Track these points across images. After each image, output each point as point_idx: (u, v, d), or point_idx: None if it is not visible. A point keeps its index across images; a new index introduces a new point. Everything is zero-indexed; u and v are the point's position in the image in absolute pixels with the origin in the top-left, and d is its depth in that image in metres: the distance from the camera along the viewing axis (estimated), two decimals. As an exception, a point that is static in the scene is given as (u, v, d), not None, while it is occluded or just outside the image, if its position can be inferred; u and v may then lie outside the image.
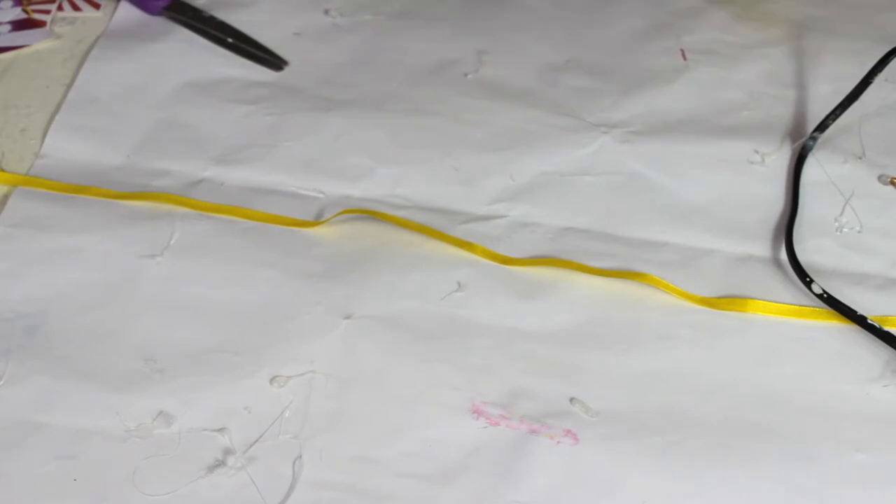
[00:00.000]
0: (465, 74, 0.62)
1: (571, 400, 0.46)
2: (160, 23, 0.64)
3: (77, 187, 0.54)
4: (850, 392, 0.47)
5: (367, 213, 0.53)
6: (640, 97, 0.60)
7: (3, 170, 0.56)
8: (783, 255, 0.52)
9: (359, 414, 0.46)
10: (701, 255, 0.52)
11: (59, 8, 0.65)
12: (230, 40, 0.63)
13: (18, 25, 0.64)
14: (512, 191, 0.55)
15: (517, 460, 0.44)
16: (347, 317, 0.49)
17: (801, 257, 0.52)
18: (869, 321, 0.48)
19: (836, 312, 0.49)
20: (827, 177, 0.56)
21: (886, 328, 0.48)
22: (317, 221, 0.53)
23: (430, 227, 0.53)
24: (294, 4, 0.66)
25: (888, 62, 0.57)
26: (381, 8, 0.66)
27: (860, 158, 0.57)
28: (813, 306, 0.50)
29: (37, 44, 0.63)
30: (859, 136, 0.58)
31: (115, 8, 0.65)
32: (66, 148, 0.57)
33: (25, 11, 0.65)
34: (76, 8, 0.65)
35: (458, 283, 0.51)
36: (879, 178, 0.56)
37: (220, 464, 0.44)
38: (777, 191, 0.56)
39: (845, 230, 0.54)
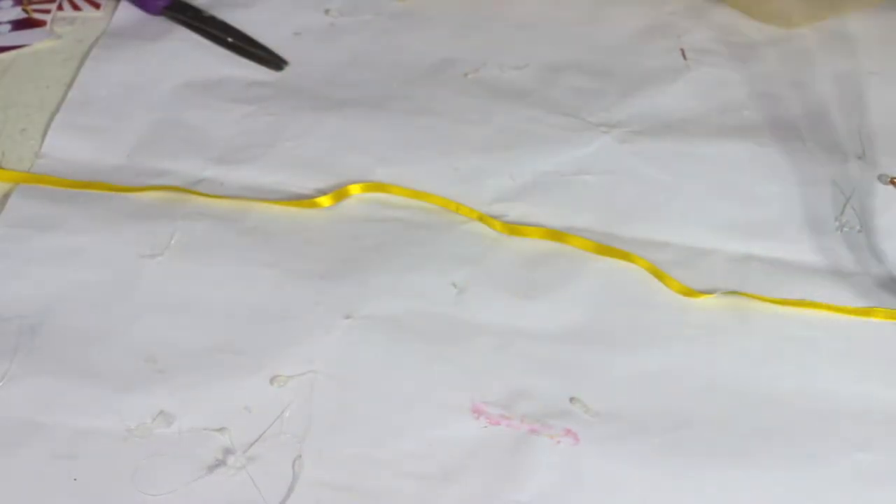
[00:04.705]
0: (465, 74, 0.62)
1: (571, 400, 0.46)
2: (160, 23, 0.64)
3: (80, 182, 0.54)
4: (850, 392, 0.47)
5: (378, 190, 0.54)
6: (640, 97, 0.60)
7: (3, 169, 0.56)
8: (784, 255, 0.52)
9: (359, 414, 0.46)
10: (701, 255, 0.52)
11: (59, 8, 0.65)
12: (230, 40, 0.63)
13: (18, 25, 0.64)
14: (512, 191, 0.55)
15: (517, 460, 0.44)
16: (347, 317, 0.49)
17: (802, 257, 0.52)
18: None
19: (834, 309, 0.49)
20: (827, 176, 0.56)
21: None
22: (322, 198, 0.53)
23: (444, 198, 0.54)
24: (294, 4, 0.66)
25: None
26: (381, 8, 0.66)
27: (860, 158, 0.57)
28: (815, 302, 0.50)
29: (37, 44, 0.63)
30: (859, 136, 0.58)
31: (115, 8, 0.65)
32: (67, 148, 0.57)
33: (25, 11, 0.65)
34: (76, 8, 0.65)
35: (458, 283, 0.51)
36: (879, 178, 0.56)
37: (220, 464, 0.44)
38: (777, 190, 0.56)
39: (845, 230, 0.54)
